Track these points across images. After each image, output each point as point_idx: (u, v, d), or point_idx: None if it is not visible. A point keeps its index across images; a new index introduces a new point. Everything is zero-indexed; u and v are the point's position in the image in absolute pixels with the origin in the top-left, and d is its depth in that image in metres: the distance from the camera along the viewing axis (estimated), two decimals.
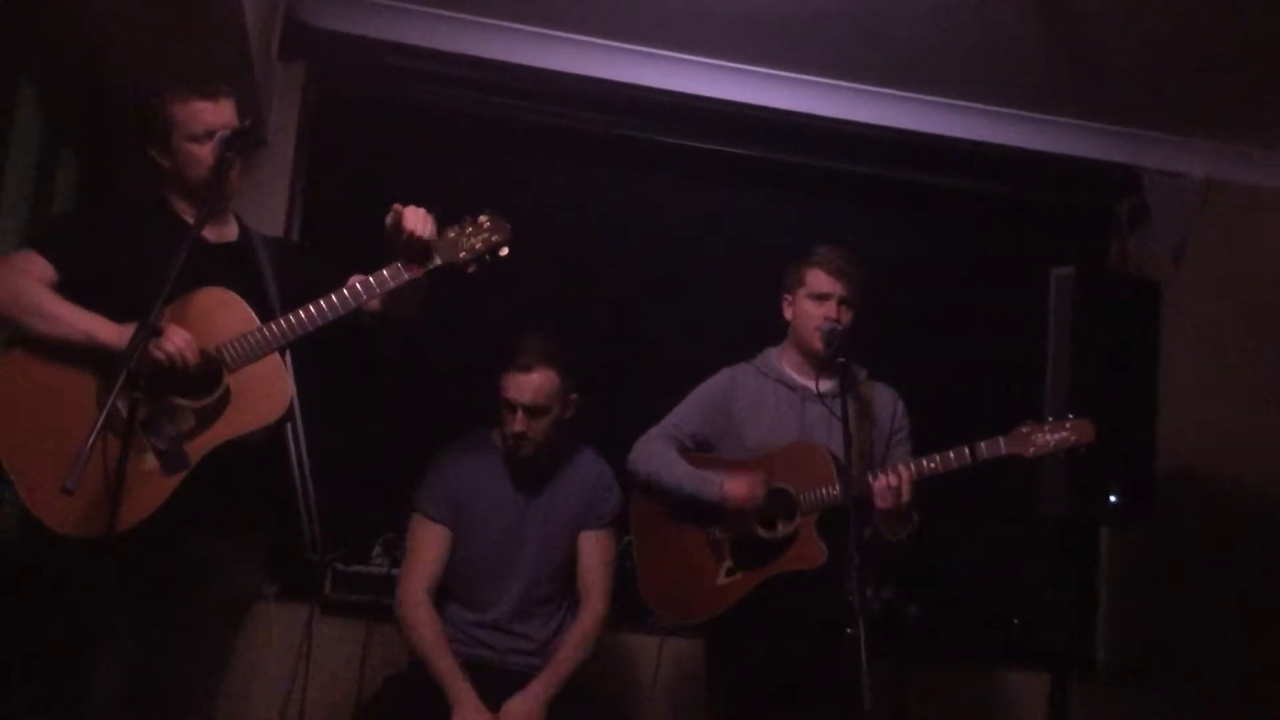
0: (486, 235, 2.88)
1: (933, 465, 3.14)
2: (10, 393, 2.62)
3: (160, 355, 2.55)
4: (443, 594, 3.38)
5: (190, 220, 2.76)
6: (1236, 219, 4.88)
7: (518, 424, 3.31)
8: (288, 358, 2.80)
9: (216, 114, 2.76)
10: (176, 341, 2.58)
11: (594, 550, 3.43)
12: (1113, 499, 3.81)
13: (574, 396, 3.42)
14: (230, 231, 2.93)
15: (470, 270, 2.89)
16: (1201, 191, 4.83)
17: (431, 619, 3.28)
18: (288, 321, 2.72)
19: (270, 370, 2.72)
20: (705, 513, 3.29)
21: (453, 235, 2.87)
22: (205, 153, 2.76)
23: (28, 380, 2.62)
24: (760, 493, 3.19)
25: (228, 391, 2.67)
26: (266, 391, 2.72)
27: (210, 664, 2.85)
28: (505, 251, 2.89)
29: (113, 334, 2.58)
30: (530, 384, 3.30)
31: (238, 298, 2.73)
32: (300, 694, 3.83)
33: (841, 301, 3.32)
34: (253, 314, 2.73)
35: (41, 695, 2.71)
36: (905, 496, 3.10)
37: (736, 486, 3.20)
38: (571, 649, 3.30)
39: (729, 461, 3.36)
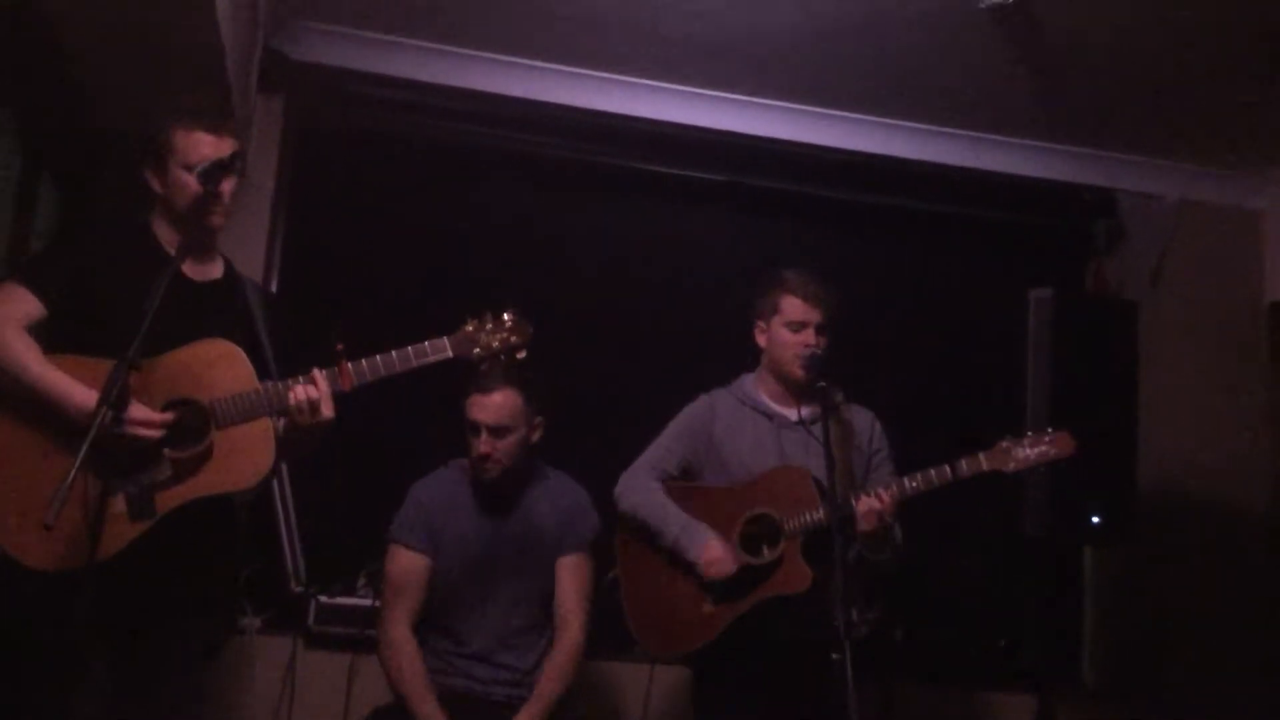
0: (506, 335, 2.81)
1: (915, 484, 3.15)
2: None
3: (124, 430, 2.50)
4: (424, 624, 3.37)
5: (172, 252, 2.74)
6: (1212, 239, 4.94)
7: (483, 445, 3.32)
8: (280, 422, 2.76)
9: (216, 148, 2.74)
10: (136, 416, 2.53)
11: (571, 576, 3.42)
12: (1095, 519, 3.82)
13: (539, 420, 3.42)
14: (215, 270, 2.91)
15: (482, 367, 2.84)
16: (1177, 212, 4.88)
17: (414, 659, 3.27)
18: (284, 386, 2.69)
19: (257, 434, 2.68)
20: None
21: (471, 329, 2.80)
22: (195, 183, 2.74)
23: (7, 409, 2.59)
24: (731, 570, 3.20)
25: (211, 448, 2.63)
26: (248, 456, 2.67)
27: (185, 702, 2.80)
28: (523, 354, 2.84)
29: (78, 397, 2.54)
30: (492, 404, 3.31)
31: (242, 355, 2.70)
32: None
33: (818, 328, 3.33)
34: (253, 372, 2.70)
35: None
36: (889, 518, 3.11)
37: (711, 560, 3.21)
38: (551, 680, 3.29)
39: (713, 490, 3.36)
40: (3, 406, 2.61)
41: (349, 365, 2.73)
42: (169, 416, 2.59)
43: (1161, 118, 4.49)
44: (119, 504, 2.56)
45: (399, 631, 3.29)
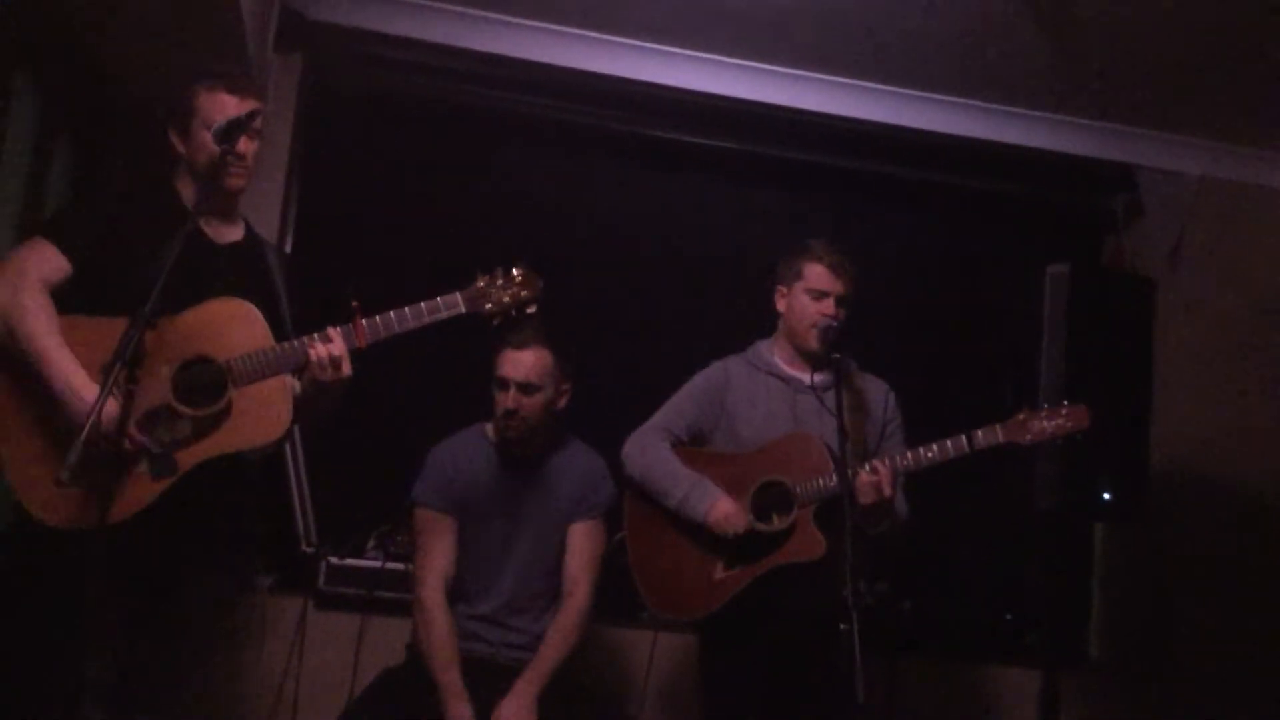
0: (516, 290, 2.83)
1: (930, 454, 3.14)
2: (6, 383, 2.61)
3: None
4: None
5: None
6: (1231, 216, 4.89)
7: (510, 400, 3.32)
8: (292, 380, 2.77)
9: (239, 109, 2.74)
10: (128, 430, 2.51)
11: (582, 541, 3.43)
12: (1106, 495, 3.82)
13: (567, 386, 3.42)
14: (236, 232, 2.92)
15: (495, 323, 2.85)
16: (1196, 189, 4.83)
17: (444, 627, 3.27)
18: (301, 344, 2.70)
19: (275, 391, 2.70)
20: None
21: (482, 285, 2.82)
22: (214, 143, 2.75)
23: (24, 369, 2.60)
24: (742, 526, 3.20)
25: (230, 405, 2.65)
26: (267, 412, 2.69)
27: (196, 659, 2.82)
28: (533, 309, 2.86)
29: (81, 390, 2.53)
30: (524, 361, 3.32)
31: (257, 313, 2.71)
32: (294, 686, 3.83)
33: (839, 300, 3.33)
34: (269, 331, 2.71)
35: (32, 689, 2.70)
36: (887, 491, 3.10)
37: (722, 516, 3.21)
38: (555, 642, 3.30)
39: (724, 456, 3.36)
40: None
41: (363, 322, 2.73)
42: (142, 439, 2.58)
43: (1183, 92, 4.44)
44: (140, 463, 2.58)
45: (429, 595, 3.30)
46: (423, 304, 2.78)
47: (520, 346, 3.32)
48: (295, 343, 2.71)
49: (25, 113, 3.52)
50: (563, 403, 3.44)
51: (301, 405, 2.77)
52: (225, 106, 2.75)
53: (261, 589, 3.88)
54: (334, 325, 2.73)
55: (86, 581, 2.43)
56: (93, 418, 2.28)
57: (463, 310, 2.80)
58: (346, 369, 2.72)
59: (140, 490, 2.58)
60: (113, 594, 2.60)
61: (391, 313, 2.76)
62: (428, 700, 3.17)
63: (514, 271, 2.85)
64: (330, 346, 2.69)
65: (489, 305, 2.81)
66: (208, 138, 2.73)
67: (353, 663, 3.79)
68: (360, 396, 2.89)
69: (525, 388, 3.32)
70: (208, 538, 2.77)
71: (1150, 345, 4.00)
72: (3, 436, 2.59)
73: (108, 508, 2.40)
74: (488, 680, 3.21)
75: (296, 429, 3.85)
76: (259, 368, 2.67)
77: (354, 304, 2.73)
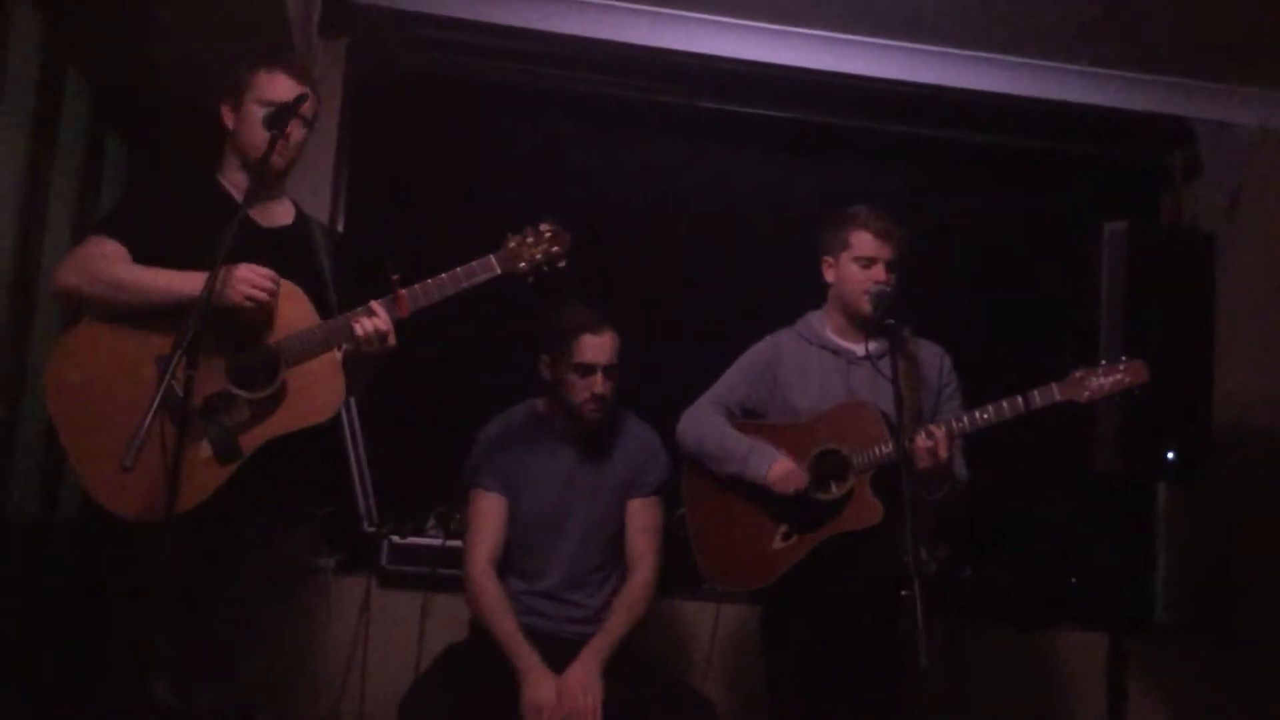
0: (547, 245, 2.85)
1: (986, 416, 3.11)
2: (75, 374, 2.66)
3: (239, 298, 2.60)
4: (498, 565, 3.41)
5: (240, 199, 2.78)
6: None
7: (599, 385, 3.32)
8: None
9: (293, 90, 2.78)
10: (244, 274, 2.62)
11: (643, 516, 3.44)
12: (1169, 455, 3.76)
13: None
14: (284, 215, 2.95)
15: (530, 281, 2.86)
16: (1255, 141, 4.73)
17: (496, 587, 3.30)
18: (346, 320, 2.73)
19: (326, 369, 2.73)
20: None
21: (513, 245, 2.84)
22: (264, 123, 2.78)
23: (94, 361, 2.65)
24: (803, 484, 3.19)
25: (284, 386, 2.68)
26: (321, 390, 2.72)
27: (260, 638, 2.86)
28: (564, 264, 2.87)
29: (190, 284, 2.60)
30: (606, 344, 3.33)
31: (301, 293, 2.74)
32: (361, 664, 3.90)
33: (888, 265, 3.30)
34: (314, 310, 2.75)
35: (99, 668, 2.76)
36: (943, 455, 3.07)
37: (782, 475, 3.20)
38: (621, 615, 3.31)
39: (779, 427, 3.35)
40: (103, 344, 2.67)
41: (404, 292, 2.76)
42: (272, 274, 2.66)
43: (1239, 43, 4.34)
44: (205, 450, 2.62)
45: (478, 569, 3.33)
46: (459, 269, 2.81)
47: (598, 331, 3.32)
48: (341, 319, 2.74)
49: (78, 110, 3.58)
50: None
51: (345, 375, 2.80)
52: (280, 86, 2.79)
53: (326, 569, 3.94)
54: (375, 299, 2.76)
55: (153, 563, 2.47)
56: (153, 410, 2.30)
57: (498, 271, 2.82)
58: (392, 340, 2.75)
59: (206, 478, 2.62)
60: (178, 575, 2.65)
61: (430, 280, 2.79)
62: (492, 675, 3.19)
63: (542, 227, 2.87)
64: (375, 320, 2.72)
65: (522, 264, 2.84)
66: (259, 114, 2.77)
67: (418, 639, 3.83)
68: (416, 376, 2.92)
69: (609, 370, 3.34)
70: (270, 519, 2.81)
71: (1211, 302, 3.92)
72: (72, 428, 2.64)
73: (175, 497, 2.43)
74: (551, 654, 3.23)
75: (356, 414, 3.90)
76: (308, 347, 2.70)
77: (394, 276, 2.76)
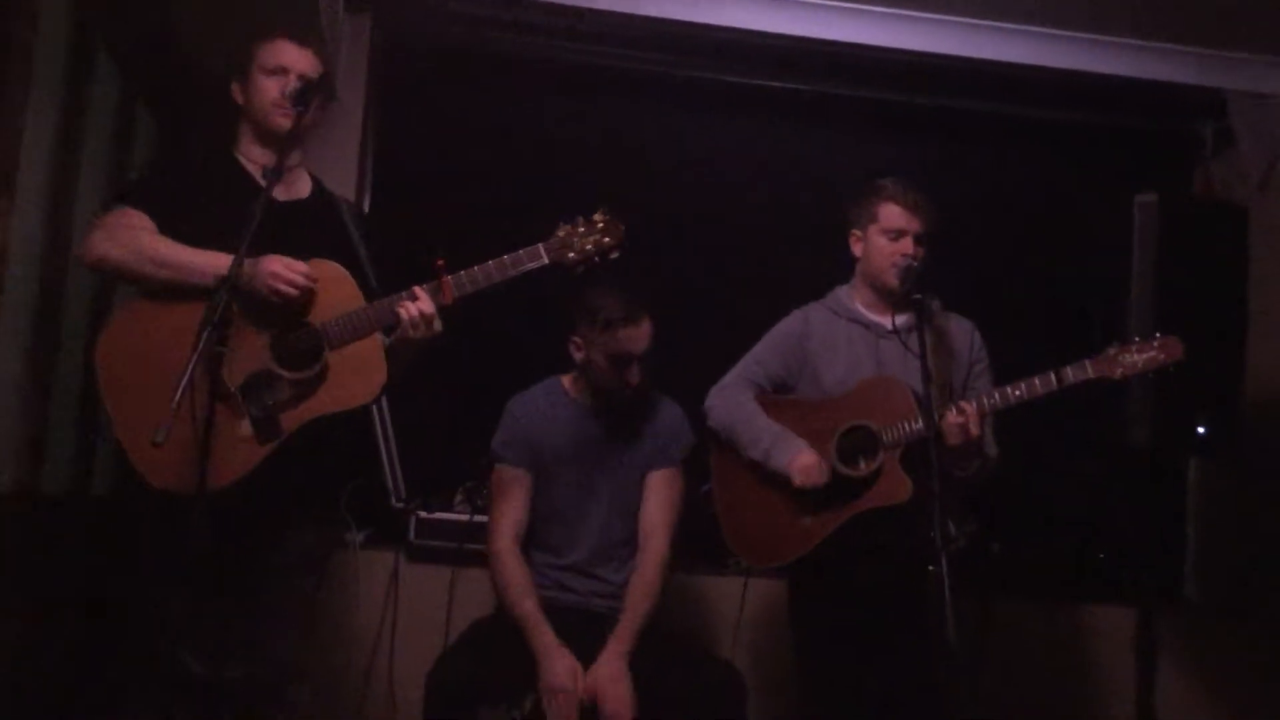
0: (599, 236, 2.80)
1: (1018, 393, 3.09)
2: (125, 346, 2.68)
3: (267, 290, 2.61)
4: (525, 539, 3.41)
5: (258, 173, 2.81)
6: None
7: (634, 375, 3.31)
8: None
9: (296, 57, 2.80)
10: (273, 268, 2.62)
11: (660, 489, 3.43)
12: (1200, 430, 3.73)
13: None
14: (302, 188, 2.95)
15: (579, 272, 2.82)
16: None
17: (518, 566, 3.31)
18: (391, 304, 2.73)
19: (369, 351, 2.73)
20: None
21: (563, 234, 2.80)
22: (273, 87, 2.79)
23: (144, 335, 2.67)
24: (822, 479, 3.18)
25: (326, 367, 2.69)
26: (363, 373, 2.73)
27: (292, 614, 2.89)
28: (616, 255, 2.82)
29: (206, 260, 2.62)
30: (644, 335, 3.30)
31: (346, 274, 2.75)
32: (390, 637, 3.92)
33: (917, 238, 3.28)
34: (359, 291, 2.75)
35: (133, 641, 2.78)
36: (974, 431, 3.06)
37: (802, 468, 3.19)
38: (639, 596, 3.30)
39: (808, 402, 3.34)
40: (148, 310, 2.70)
41: (449, 279, 2.74)
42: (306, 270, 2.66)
43: (1273, 12, 4.28)
44: (245, 427, 2.64)
45: (501, 544, 3.34)
46: (506, 257, 2.77)
47: (635, 322, 3.28)
48: (385, 302, 2.73)
49: (108, 84, 3.59)
50: None
51: (389, 359, 2.80)
52: (282, 51, 2.80)
53: (354, 544, 3.96)
54: (419, 284, 2.74)
55: (185, 537, 2.49)
56: (183, 386, 2.31)
57: (545, 261, 2.78)
58: (438, 326, 2.74)
59: (245, 455, 2.64)
60: (212, 549, 2.67)
61: (477, 268, 2.77)
62: (517, 650, 3.20)
63: (595, 218, 2.82)
64: (420, 304, 2.71)
65: (571, 255, 2.79)
66: (267, 83, 2.78)
67: (445, 613, 3.85)
68: (444, 352, 2.91)
69: (644, 359, 3.33)
70: (300, 495, 2.83)
71: (1243, 276, 3.88)
72: (120, 399, 2.66)
73: (213, 472, 2.46)
74: (581, 627, 3.24)
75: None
76: (352, 329, 2.70)
77: (439, 261, 2.74)
